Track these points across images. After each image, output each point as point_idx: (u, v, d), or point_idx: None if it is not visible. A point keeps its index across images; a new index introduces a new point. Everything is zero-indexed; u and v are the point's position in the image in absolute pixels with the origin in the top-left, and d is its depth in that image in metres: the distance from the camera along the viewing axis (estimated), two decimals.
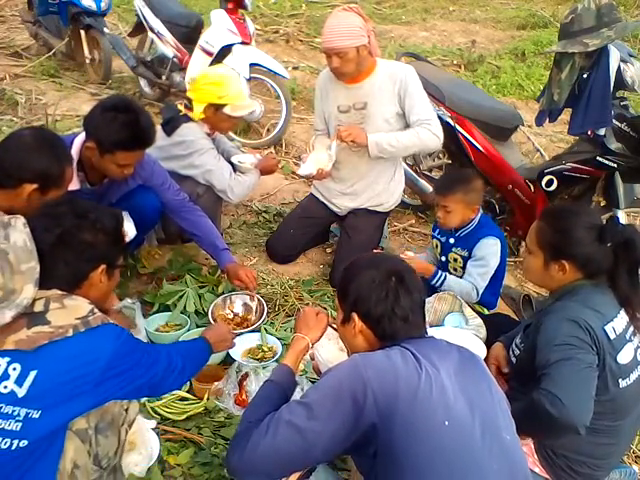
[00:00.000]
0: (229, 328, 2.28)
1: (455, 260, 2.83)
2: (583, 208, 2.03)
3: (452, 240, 2.83)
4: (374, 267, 1.57)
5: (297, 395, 2.20)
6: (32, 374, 1.38)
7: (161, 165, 2.79)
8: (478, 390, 1.43)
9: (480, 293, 2.67)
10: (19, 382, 1.38)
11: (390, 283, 1.51)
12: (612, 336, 1.75)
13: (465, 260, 2.78)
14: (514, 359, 2.01)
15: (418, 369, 1.38)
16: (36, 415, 1.37)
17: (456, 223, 2.75)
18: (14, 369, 1.39)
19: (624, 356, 1.77)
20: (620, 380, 1.78)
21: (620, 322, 1.79)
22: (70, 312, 1.47)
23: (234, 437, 1.49)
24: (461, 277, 2.76)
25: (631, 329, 1.82)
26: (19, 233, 1.46)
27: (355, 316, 1.54)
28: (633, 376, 1.80)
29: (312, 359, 2.01)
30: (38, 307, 1.45)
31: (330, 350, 1.97)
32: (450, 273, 2.80)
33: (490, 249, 2.70)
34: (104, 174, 2.49)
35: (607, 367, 1.74)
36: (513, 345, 2.03)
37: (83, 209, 1.62)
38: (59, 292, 1.51)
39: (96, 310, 1.52)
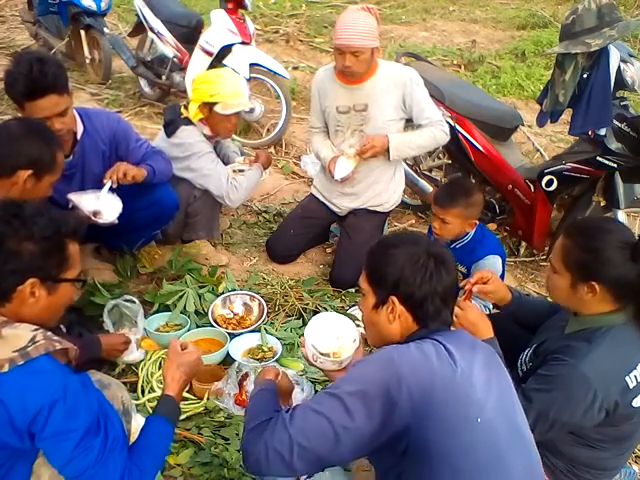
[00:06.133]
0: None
1: None
2: (613, 224, 1.84)
3: None
4: (412, 246, 1.51)
5: (297, 395, 2.19)
6: None
7: (127, 122, 2.81)
8: (501, 387, 1.43)
9: (491, 310, 2.67)
10: None
11: (430, 263, 1.46)
12: (632, 385, 1.67)
13: (464, 276, 2.77)
14: (521, 373, 1.96)
15: (453, 365, 1.36)
16: None
17: (451, 236, 2.73)
18: None
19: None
20: (631, 420, 1.73)
21: None
22: (7, 344, 1.31)
23: (247, 440, 1.41)
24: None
25: None
26: None
27: (395, 300, 1.47)
28: None
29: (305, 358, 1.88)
30: None
31: (325, 340, 1.89)
32: None
33: (493, 268, 2.68)
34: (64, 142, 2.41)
35: (618, 412, 1.67)
36: (522, 359, 1.98)
37: (13, 213, 1.40)
38: None
39: (38, 337, 1.34)
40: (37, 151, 2.01)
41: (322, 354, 1.80)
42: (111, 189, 2.52)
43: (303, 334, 1.86)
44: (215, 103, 2.89)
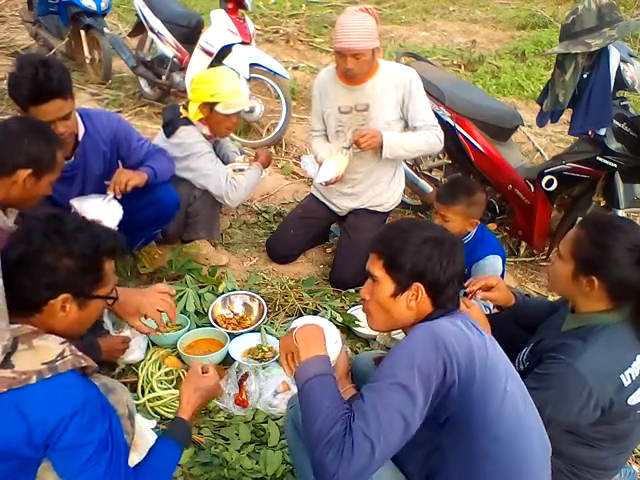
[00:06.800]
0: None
1: None
2: (631, 224, 1.81)
3: None
4: (431, 230, 1.56)
5: None
6: None
7: (127, 122, 2.80)
8: (507, 360, 1.49)
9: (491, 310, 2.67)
10: None
11: (450, 247, 1.52)
12: (626, 383, 1.68)
13: (465, 277, 2.76)
14: (518, 372, 1.98)
15: (481, 336, 1.43)
16: None
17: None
18: None
19: (635, 398, 1.71)
20: (627, 418, 1.73)
21: (637, 365, 1.71)
22: (37, 355, 1.31)
23: (324, 459, 1.28)
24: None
25: None
26: None
27: (421, 286, 1.49)
28: None
29: None
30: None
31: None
32: None
33: (493, 267, 2.69)
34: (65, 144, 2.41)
35: (613, 410, 1.68)
36: (519, 359, 1.98)
37: (54, 228, 1.40)
38: (29, 328, 1.35)
39: (67, 352, 1.33)
40: (37, 150, 2.01)
41: None
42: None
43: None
44: (216, 103, 2.89)
